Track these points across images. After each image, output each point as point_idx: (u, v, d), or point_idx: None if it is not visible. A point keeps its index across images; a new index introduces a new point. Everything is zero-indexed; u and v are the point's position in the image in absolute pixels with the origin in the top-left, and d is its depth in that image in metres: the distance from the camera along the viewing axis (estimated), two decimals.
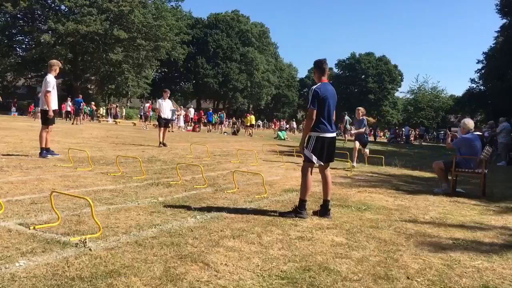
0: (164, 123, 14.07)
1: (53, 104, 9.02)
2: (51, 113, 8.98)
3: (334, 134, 5.06)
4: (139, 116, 43.33)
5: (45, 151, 8.87)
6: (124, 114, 46.41)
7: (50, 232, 3.67)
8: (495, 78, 41.23)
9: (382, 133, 62.35)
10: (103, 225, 3.92)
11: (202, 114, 33.32)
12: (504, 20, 41.25)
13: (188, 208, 4.99)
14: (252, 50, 69.62)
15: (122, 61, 46.09)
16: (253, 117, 33.96)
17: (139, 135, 19.66)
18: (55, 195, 4.70)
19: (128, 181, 6.66)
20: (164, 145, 13.62)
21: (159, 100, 14.42)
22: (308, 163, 4.99)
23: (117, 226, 4.02)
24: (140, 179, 6.84)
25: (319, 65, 5.13)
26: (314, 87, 4.97)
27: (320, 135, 4.92)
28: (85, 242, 3.41)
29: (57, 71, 9.21)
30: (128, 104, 61.39)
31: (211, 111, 32.30)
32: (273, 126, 53.89)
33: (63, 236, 3.58)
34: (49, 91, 8.88)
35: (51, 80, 8.97)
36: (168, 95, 14.62)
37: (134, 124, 35.59)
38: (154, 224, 4.18)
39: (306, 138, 4.99)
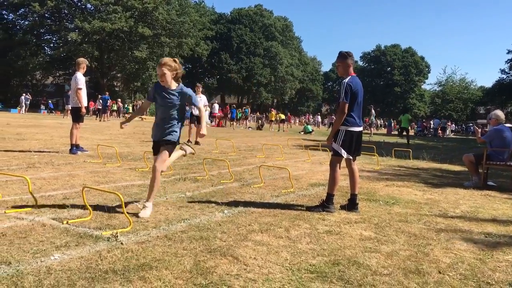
0: (195, 120, 13.34)
1: (84, 101, 9.22)
2: (84, 110, 9.19)
3: (361, 128, 5.02)
4: None
5: (75, 148, 9.06)
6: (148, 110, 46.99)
7: (83, 227, 3.75)
8: None
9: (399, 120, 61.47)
10: (133, 220, 3.99)
11: (229, 109, 33.25)
12: None
13: (216, 202, 5.03)
14: (276, 45, 69.47)
15: (146, 58, 46.68)
16: (281, 115, 34.07)
17: None
18: (86, 190, 4.80)
19: None
20: (197, 143, 12.96)
21: None
22: (336, 157, 4.95)
23: (147, 220, 4.08)
24: (167, 174, 6.92)
25: (347, 57, 4.97)
26: (346, 80, 4.86)
27: (349, 129, 4.88)
28: (117, 236, 3.48)
29: (85, 68, 9.40)
30: None
31: (234, 108, 32.14)
32: (293, 122, 53.72)
33: (95, 230, 3.66)
34: (80, 88, 9.07)
35: (81, 77, 9.16)
36: (201, 89, 13.77)
37: None
38: (182, 218, 4.22)
39: (335, 132, 4.95)
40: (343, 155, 4.89)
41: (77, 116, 9.19)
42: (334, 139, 4.94)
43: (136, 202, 4.79)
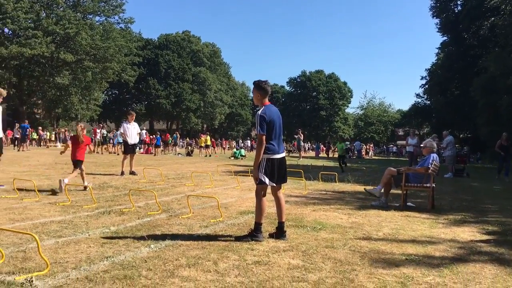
0: (131, 149, 12.94)
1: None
2: None
3: (283, 155, 5.08)
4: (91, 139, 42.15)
5: None
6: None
7: None
8: (438, 93, 43.42)
9: (335, 149, 63.71)
10: (51, 261, 3.75)
11: (148, 138, 32.16)
12: (444, 38, 43.63)
13: (142, 237, 4.86)
14: (204, 70, 69.72)
15: (69, 85, 44.98)
16: (208, 137, 33.80)
17: (89, 161, 19.07)
18: None
19: (78, 210, 6.42)
20: (134, 173, 12.50)
21: (124, 124, 13.05)
22: (260, 185, 4.97)
23: (66, 261, 3.86)
24: (90, 208, 6.61)
25: (262, 86, 4.96)
26: (259, 112, 4.88)
27: (270, 157, 4.92)
28: (32, 280, 3.25)
29: (1, 100, 8.85)
30: None
31: (159, 136, 31.15)
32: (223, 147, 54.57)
33: (7, 276, 3.39)
34: None
35: None
36: (134, 117, 13.35)
37: None
38: (105, 256, 4.03)
39: (258, 164, 4.95)
40: (266, 182, 4.92)
41: None
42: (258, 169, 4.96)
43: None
